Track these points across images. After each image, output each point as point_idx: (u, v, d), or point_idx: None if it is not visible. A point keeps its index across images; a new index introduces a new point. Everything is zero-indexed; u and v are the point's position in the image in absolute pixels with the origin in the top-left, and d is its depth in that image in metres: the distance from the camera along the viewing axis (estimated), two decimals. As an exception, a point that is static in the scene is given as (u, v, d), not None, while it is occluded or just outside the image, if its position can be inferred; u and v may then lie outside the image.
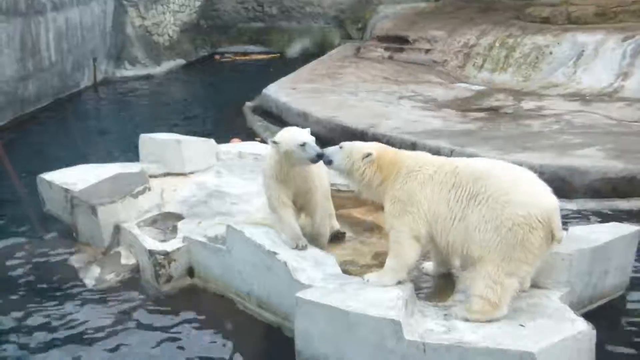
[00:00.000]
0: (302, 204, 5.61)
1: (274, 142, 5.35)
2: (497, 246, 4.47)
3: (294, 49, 18.59)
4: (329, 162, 5.16)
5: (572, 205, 7.75)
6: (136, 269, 6.17)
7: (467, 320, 4.51)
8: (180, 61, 17.32)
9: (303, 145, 5.21)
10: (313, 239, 5.63)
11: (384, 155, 5.02)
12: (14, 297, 5.96)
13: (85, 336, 5.38)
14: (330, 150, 5.16)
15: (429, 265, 5.42)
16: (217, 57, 18.36)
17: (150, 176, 7.05)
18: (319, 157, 5.17)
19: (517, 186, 4.57)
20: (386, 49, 15.33)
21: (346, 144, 5.16)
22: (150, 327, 5.48)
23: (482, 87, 12.85)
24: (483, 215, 4.53)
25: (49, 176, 7.29)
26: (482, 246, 4.51)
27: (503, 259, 4.47)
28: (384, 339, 4.42)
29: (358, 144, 5.17)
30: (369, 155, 5.00)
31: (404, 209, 4.82)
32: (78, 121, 12.66)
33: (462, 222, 4.62)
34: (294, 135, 5.32)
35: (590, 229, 5.66)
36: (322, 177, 5.66)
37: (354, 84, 12.83)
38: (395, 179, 4.91)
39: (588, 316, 4.76)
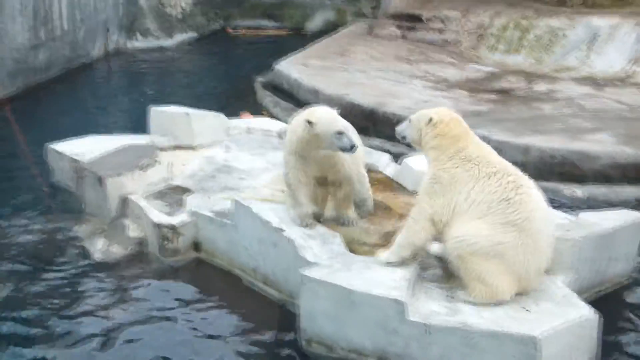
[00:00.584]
0: (332, 179, 5.49)
1: (309, 122, 5.17)
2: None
3: (307, 25, 18.46)
4: (403, 139, 5.05)
5: (582, 191, 7.73)
6: (142, 242, 6.18)
7: (473, 303, 4.50)
8: (193, 34, 17.22)
9: (340, 134, 5.12)
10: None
11: (450, 125, 4.84)
12: (19, 267, 5.99)
13: (89, 308, 5.41)
14: (401, 127, 5.05)
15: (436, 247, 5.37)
16: (229, 30, 18.25)
17: (159, 149, 7.05)
18: (352, 148, 5.10)
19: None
20: (399, 27, 15.19)
21: (413, 116, 5.01)
22: (154, 301, 5.51)
23: (494, 69, 12.74)
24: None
25: (58, 146, 7.29)
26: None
27: None
28: (387, 319, 4.44)
29: (424, 111, 5.00)
30: (430, 120, 4.86)
31: (441, 191, 4.73)
32: (88, 92, 12.64)
33: None
34: (332, 122, 5.16)
35: (598, 215, 5.63)
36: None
37: (365, 62, 12.75)
38: (450, 158, 4.76)
39: (593, 303, 4.76)
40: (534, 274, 4.56)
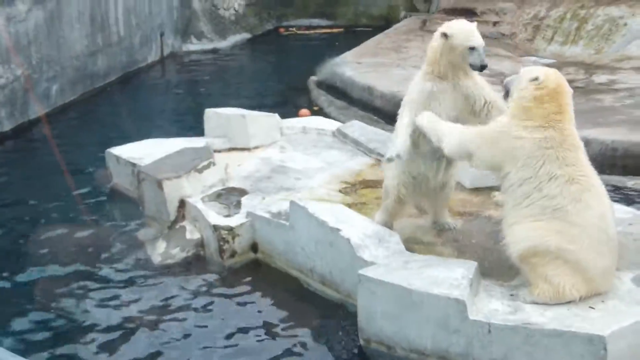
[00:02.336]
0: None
1: (444, 35, 5.05)
2: None
3: (359, 22, 18.41)
4: (506, 95, 4.83)
5: (645, 184, 7.54)
6: (200, 244, 6.22)
7: (536, 303, 4.40)
8: (246, 35, 17.34)
9: (472, 49, 5.00)
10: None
11: (553, 92, 4.51)
12: (81, 270, 6.08)
13: (151, 310, 5.46)
14: (508, 79, 4.86)
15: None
16: (281, 30, 18.32)
17: (215, 151, 7.09)
18: (481, 67, 5.01)
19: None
20: (453, 21, 15.06)
21: (523, 69, 4.74)
22: (213, 303, 5.54)
23: (551, 61, 12.51)
24: None
25: (117, 150, 7.41)
26: None
27: None
28: (447, 318, 4.37)
29: (534, 67, 4.75)
30: (536, 78, 4.53)
31: (499, 146, 4.57)
32: (145, 96, 12.82)
33: None
34: (466, 37, 5.01)
35: (664, 208, 5.48)
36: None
37: (419, 58, 12.59)
38: (534, 127, 4.48)
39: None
40: (602, 275, 4.41)
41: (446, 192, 5.50)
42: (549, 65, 11.62)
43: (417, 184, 5.38)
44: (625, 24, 12.70)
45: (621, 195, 7.21)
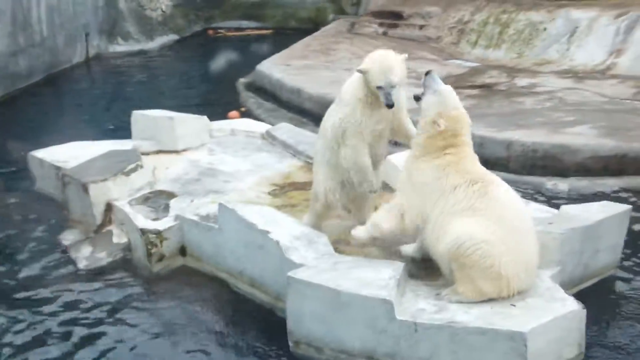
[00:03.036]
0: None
1: (359, 71, 5.21)
2: None
3: (287, 25, 18.44)
4: (417, 99, 4.96)
5: (565, 184, 7.77)
6: (128, 248, 6.15)
7: (461, 302, 4.51)
8: (174, 36, 17.18)
9: (379, 88, 5.09)
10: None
11: (452, 132, 4.79)
12: (2, 275, 5.94)
13: (76, 315, 5.38)
14: (426, 79, 4.94)
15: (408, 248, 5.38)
16: (210, 32, 18.20)
17: (143, 153, 7.01)
18: (388, 106, 5.07)
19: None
20: (380, 24, 15.25)
21: (443, 90, 4.92)
22: (141, 307, 5.49)
23: (476, 64, 12.80)
24: None
25: (41, 153, 7.26)
26: None
27: None
28: (375, 318, 4.44)
29: (451, 100, 4.92)
30: (435, 122, 4.78)
31: (414, 193, 4.83)
32: (70, 97, 12.58)
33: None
34: (377, 73, 5.11)
35: (581, 207, 5.66)
36: None
37: (348, 60, 12.75)
38: (434, 157, 4.80)
39: (578, 295, 4.79)
40: (524, 273, 4.55)
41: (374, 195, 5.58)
42: (472, 69, 11.90)
43: (345, 190, 5.45)
44: (545, 29, 13.08)
45: (541, 196, 7.43)
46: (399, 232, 4.96)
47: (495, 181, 4.71)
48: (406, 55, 5.30)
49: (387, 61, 5.17)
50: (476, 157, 4.87)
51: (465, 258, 4.48)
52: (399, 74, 5.12)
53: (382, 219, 4.94)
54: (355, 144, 5.25)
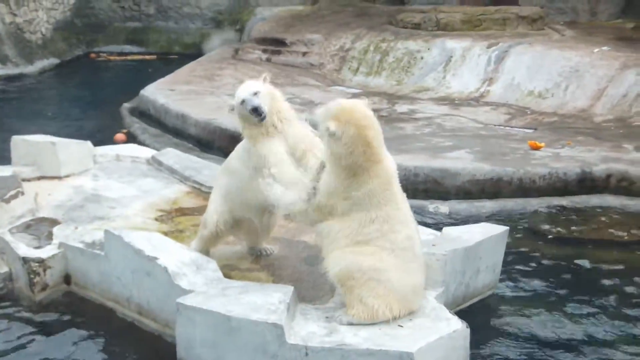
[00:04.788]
0: None
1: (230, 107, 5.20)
2: None
3: (171, 50, 18.34)
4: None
5: (445, 207, 8.07)
6: (9, 278, 5.93)
7: (352, 324, 4.60)
8: (54, 60, 16.74)
9: (242, 102, 5.10)
10: None
11: (356, 137, 4.51)
12: None
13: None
14: (310, 119, 4.76)
15: None
16: (92, 55, 17.85)
17: (23, 180, 6.80)
18: (255, 112, 5.03)
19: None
20: (264, 51, 15.41)
21: (317, 112, 4.68)
22: (24, 339, 5.31)
23: (357, 90, 13.13)
24: None
25: None
26: None
27: None
28: (266, 343, 4.47)
29: (327, 111, 4.62)
30: (328, 129, 4.53)
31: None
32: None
33: None
34: (236, 95, 5.14)
35: (462, 229, 5.91)
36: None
37: (232, 86, 12.78)
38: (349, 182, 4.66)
39: (462, 314, 4.99)
40: (413, 293, 4.70)
41: (268, 228, 5.66)
42: (354, 95, 12.19)
43: (238, 224, 5.52)
44: (422, 58, 13.60)
45: (423, 218, 7.69)
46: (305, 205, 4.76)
47: (398, 211, 4.73)
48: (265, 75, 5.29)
49: (246, 87, 5.20)
50: (389, 170, 4.87)
51: (353, 281, 4.59)
52: (256, 87, 5.15)
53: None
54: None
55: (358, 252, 4.60)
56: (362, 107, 4.62)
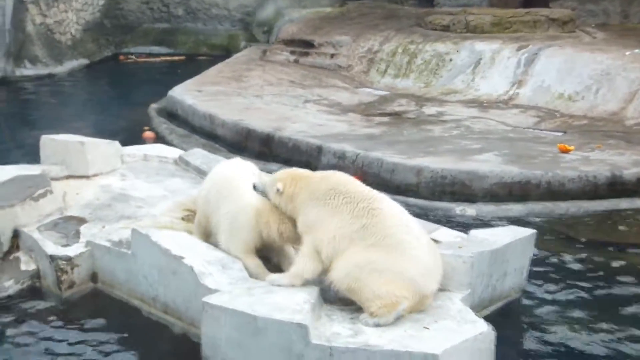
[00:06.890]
0: None
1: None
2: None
3: (199, 51, 18.43)
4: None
5: (472, 209, 8.02)
6: (37, 275, 6.00)
7: (378, 325, 4.58)
8: (84, 61, 16.89)
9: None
10: None
11: (297, 187, 5.05)
12: None
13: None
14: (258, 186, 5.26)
15: None
16: (121, 57, 17.99)
17: (52, 179, 6.85)
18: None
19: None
20: (292, 52, 15.41)
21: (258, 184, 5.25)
22: (51, 337, 5.35)
23: (385, 92, 13.08)
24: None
25: (-57, 179, 7.00)
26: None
27: None
28: (291, 343, 4.47)
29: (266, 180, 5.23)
30: (277, 190, 5.06)
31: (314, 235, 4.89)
32: (-25, 122, 12.19)
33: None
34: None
35: (489, 231, 5.87)
36: None
37: (259, 87, 12.85)
38: (306, 204, 4.96)
39: (488, 317, 4.95)
40: (421, 278, 4.67)
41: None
42: (382, 97, 12.17)
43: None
44: (451, 60, 13.50)
45: (450, 221, 7.64)
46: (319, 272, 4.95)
47: (378, 198, 4.89)
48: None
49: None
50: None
51: (357, 282, 4.61)
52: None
53: (302, 268, 4.93)
54: None
55: (347, 256, 4.66)
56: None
